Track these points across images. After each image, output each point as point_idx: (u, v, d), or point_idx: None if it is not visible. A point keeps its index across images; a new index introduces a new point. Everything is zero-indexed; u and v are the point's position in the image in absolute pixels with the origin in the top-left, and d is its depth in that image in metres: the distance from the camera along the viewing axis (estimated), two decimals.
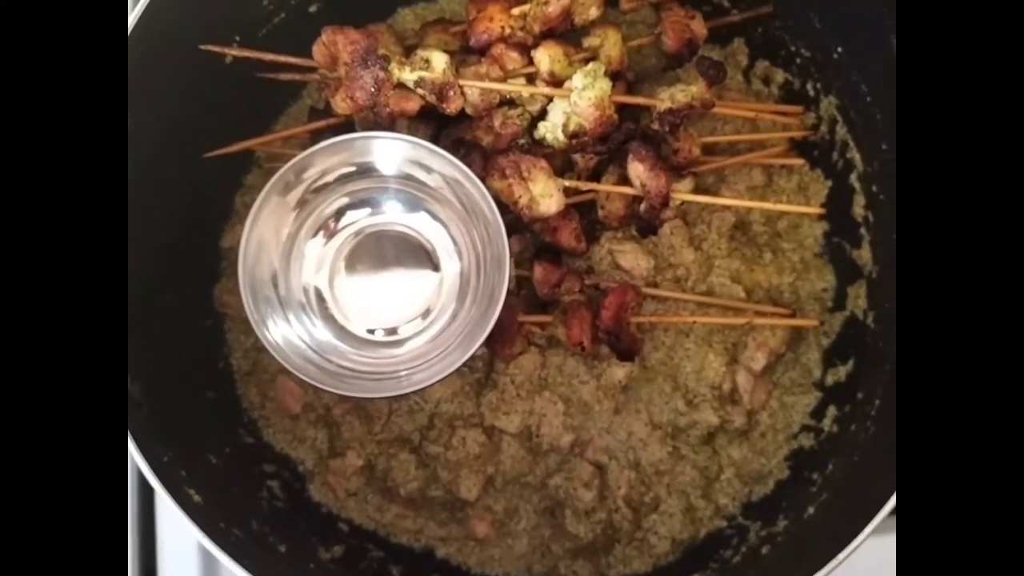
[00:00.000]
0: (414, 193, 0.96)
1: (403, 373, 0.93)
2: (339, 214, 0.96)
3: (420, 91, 0.91)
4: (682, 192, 0.98)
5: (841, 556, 0.81)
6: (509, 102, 0.96)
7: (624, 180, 0.98)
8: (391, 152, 0.92)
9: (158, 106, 0.93)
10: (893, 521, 0.79)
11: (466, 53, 0.99)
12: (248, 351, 1.04)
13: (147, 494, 1.03)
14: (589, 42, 0.98)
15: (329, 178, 0.93)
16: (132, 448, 0.81)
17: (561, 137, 0.94)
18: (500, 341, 0.96)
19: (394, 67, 0.90)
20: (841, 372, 1.02)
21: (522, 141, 0.96)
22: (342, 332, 0.95)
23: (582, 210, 1.01)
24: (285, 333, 0.91)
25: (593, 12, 0.97)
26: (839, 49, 0.99)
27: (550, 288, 0.98)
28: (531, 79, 0.96)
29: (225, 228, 1.07)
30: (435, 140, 0.99)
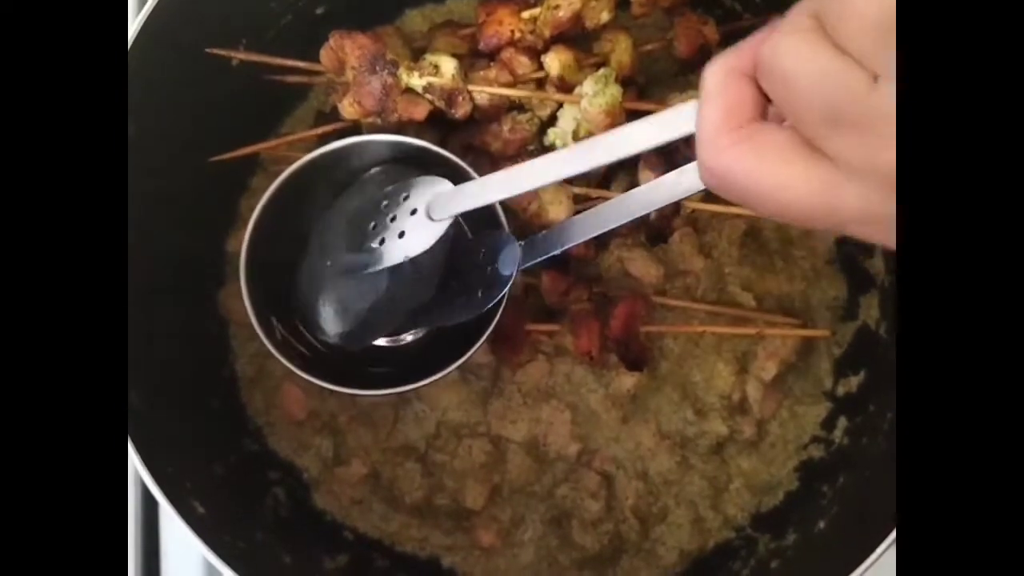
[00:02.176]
0: None
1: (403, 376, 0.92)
2: None
3: (428, 96, 0.90)
4: (693, 200, 0.97)
5: None
6: (518, 107, 0.95)
7: (634, 186, 0.97)
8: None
9: (162, 109, 0.92)
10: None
11: (475, 57, 0.97)
12: (253, 356, 1.03)
13: (150, 506, 1.02)
14: (600, 47, 0.97)
15: None
16: (136, 460, 0.81)
17: (571, 143, 0.93)
18: (508, 348, 0.95)
19: (402, 72, 0.89)
20: (852, 383, 1.01)
21: (531, 147, 0.95)
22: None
23: None
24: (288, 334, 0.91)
25: (604, 16, 0.96)
26: None
27: (558, 296, 0.97)
28: (541, 84, 0.95)
29: (230, 232, 1.06)
30: (443, 144, 0.98)
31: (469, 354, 0.88)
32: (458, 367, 0.89)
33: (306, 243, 0.92)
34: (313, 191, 0.92)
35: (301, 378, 0.89)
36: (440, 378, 0.89)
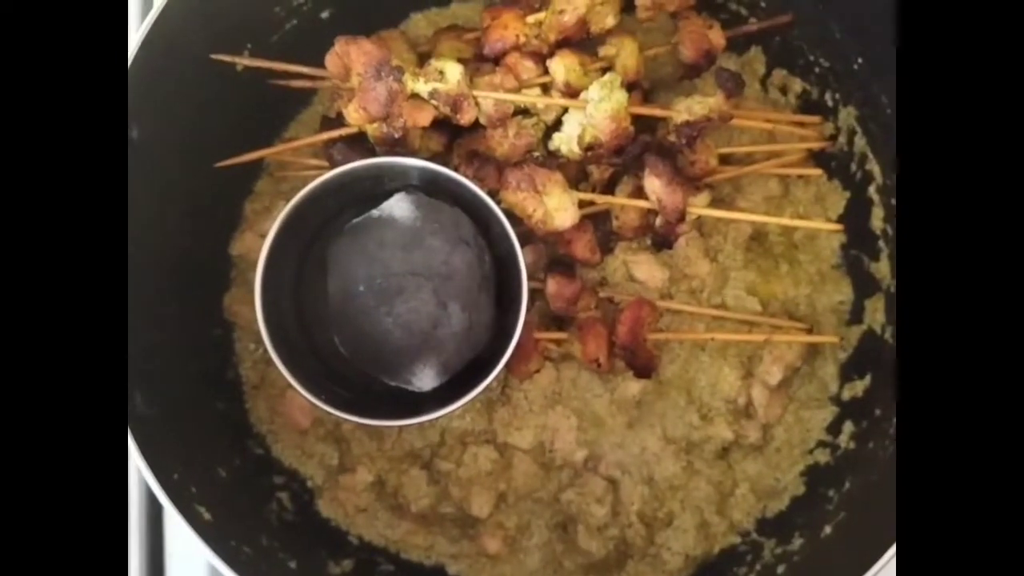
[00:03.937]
0: None
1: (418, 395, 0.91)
2: None
3: (434, 102, 0.90)
4: (698, 206, 0.97)
5: None
6: (524, 111, 0.95)
7: (639, 190, 0.97)
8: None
9: (168, 114, 0.91)
10: None
11: (480, 61, 0.97)
12: (257, 362, 1.03)
13: (155, 510, 1.02)
14: (605, 51, 0.96)
15: None
16: (141, 465, 0.81)
17: (576, 149, 0.93)
18: (516, 358, 0.94)
19: (407, 78, 0.89)
20: (858, 387, 1.01)
21: (536, 153, 0.95)
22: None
23: (596, 221, 1.00)
24: (303, 362, 0.90)
25: (609, 21, 0.95)
26: (859, 60, 0.98)
27: (564, 303, 0.96)
28: (546, 88, 0.95)
29: (235, 235, 1.06)
30: (448, 149, 0.98)
31: (487, 382, 0.87)
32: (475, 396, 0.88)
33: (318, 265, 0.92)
34: (325, 208, 0.92)
35: None
36: (459, 407, 0.88)
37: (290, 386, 0.87)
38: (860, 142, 1.01)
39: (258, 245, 0.89)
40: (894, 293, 0.99)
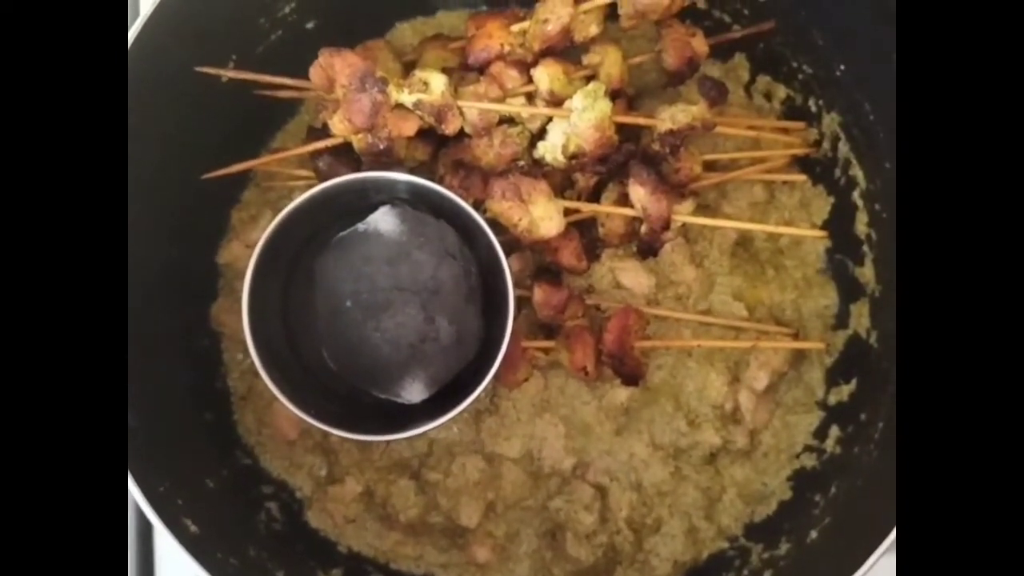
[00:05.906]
0: None
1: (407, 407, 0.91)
2: None
3: (418, 112, 0.90)
4: (683, 214, 0.97)
5: None
6: (509, 120, 0.95)
7: (625, 197, 0.97)
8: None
9: (155, 124, 0.91)
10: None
11: (465, 70, 0.98)
12: (245, 373, 1.03)
13: (144, 523, 1.02)
14: (589, 59, 0.97)
15: None
16: (129, 478, 0.80)
17: (561, 158, 0.93)
18: (504, 367, 0.94)
19: (392, 89, 0.89)
20: (844, 391, 1.01)
21: (522, 162, 0.95)
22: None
23: (582, 228, 1.00)
24: (291, 375, 0.90)
25: (593, 29, 0.96)
26: (842, 66, 0.98)
27: (551, 311, 0.97)
28: (530, 98, 0.95)
29: (221, 244, 1.05)
30: (434, 159, 0.98)
31: (476, 394, 0.87)
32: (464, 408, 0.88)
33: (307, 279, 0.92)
34: (311, 222, 0.92)
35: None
36: (448, 420, 0.88)
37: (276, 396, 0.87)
38: (844, 148, 1.01)
39: (245, 254, 0.89)
40: (879, 298, 1.00)
